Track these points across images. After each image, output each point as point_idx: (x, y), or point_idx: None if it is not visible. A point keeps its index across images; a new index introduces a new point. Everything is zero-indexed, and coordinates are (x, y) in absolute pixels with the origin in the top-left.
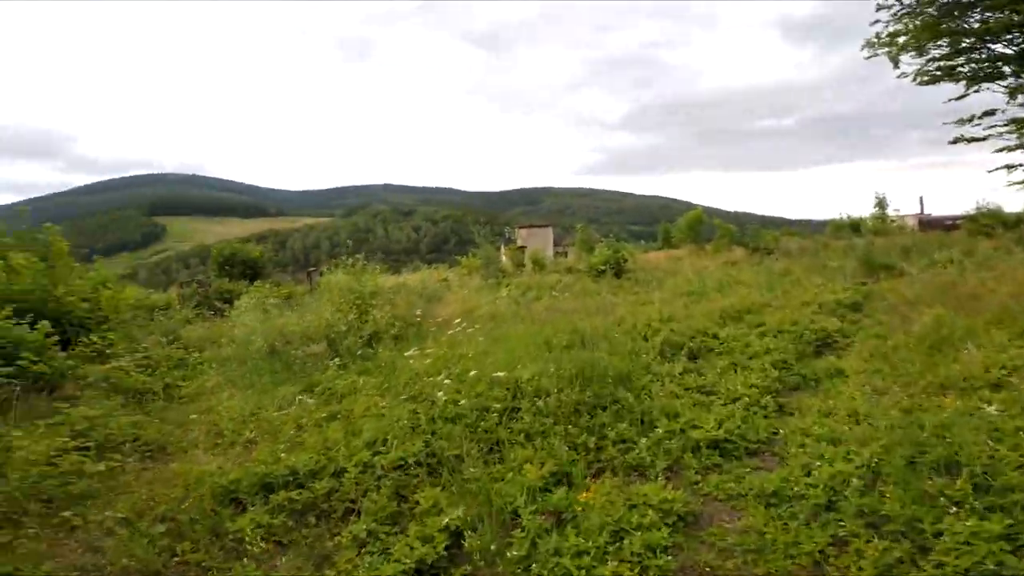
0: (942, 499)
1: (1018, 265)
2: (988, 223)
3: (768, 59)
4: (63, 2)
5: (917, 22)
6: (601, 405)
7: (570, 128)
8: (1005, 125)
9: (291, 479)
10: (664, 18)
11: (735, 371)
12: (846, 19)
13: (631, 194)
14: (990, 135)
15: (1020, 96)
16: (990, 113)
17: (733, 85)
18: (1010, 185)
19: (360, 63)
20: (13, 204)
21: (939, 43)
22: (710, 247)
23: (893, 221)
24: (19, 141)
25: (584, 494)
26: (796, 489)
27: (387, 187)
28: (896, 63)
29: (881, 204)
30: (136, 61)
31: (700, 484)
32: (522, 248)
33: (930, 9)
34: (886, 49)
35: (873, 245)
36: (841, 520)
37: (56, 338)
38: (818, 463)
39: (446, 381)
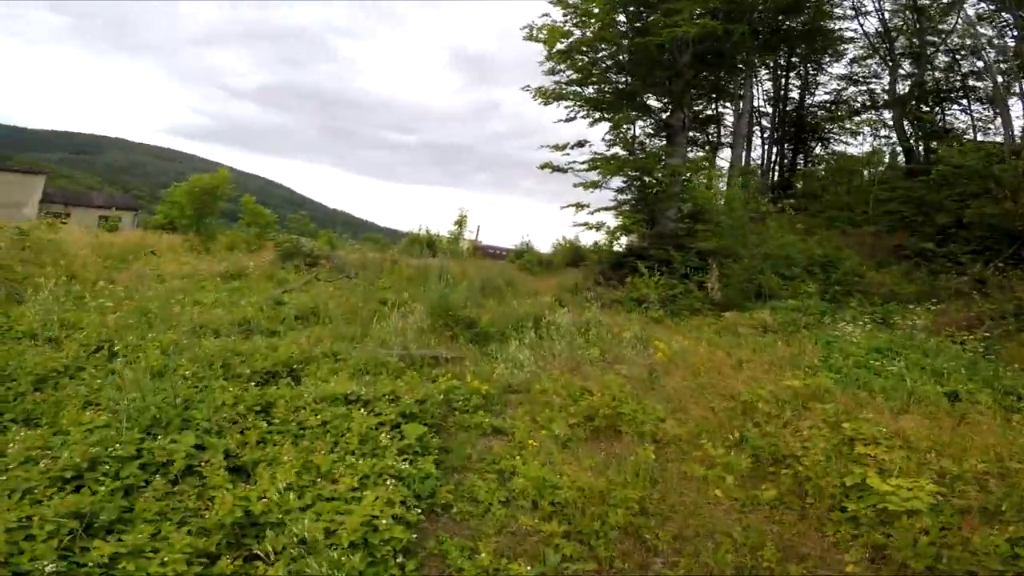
0: None
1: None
2: (530, 260)
3: (425, 78)
4: None
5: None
6: None
7: (181, 84)
8: (584, 162)
9: None
10: (354, 6)
11: None
12: (505, 64)
13: (229, 167)
14: (571, 167)
15: (619, 130)
16: (581, 144)
17: (384, 93)
18: (581, 226)
19: None
20: None
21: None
22: (224, 239)
23: (470, 243)
24: None
25: None
26: None
27: None
28: (550, 52)
29: (461, 223)
30: None
31: None
32: None
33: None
34: (543, 38)
35: (450, 277)
36: None
37: None
38: None
39: None
